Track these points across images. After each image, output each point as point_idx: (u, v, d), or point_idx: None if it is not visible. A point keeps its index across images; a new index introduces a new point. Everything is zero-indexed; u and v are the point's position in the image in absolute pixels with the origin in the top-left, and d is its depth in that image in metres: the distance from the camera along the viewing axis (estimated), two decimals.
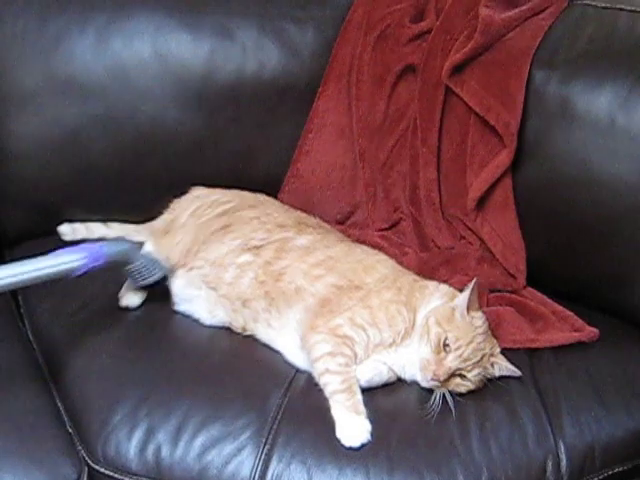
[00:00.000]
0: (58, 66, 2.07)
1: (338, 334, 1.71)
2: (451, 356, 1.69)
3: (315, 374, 1.70)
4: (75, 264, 1.70)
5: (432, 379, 1.68)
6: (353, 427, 1.62)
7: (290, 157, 2.21)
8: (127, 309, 1.88)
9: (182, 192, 2.00)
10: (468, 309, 1.73)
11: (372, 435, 1.61)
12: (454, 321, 1.72)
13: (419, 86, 2.16)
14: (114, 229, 2.03)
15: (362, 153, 2.20)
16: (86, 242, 1.80)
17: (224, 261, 1.85)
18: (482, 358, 1.71)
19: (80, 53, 2.08)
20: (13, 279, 1.64)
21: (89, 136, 2.08)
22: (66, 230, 2.00)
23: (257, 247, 1.85)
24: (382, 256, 1.90)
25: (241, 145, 2.17)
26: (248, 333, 1.82)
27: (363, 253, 1.89)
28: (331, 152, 2.22)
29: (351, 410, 1.63)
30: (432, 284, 1.83)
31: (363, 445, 1.60)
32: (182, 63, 2.12)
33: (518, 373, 1.76)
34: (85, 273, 1.72)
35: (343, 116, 2.21)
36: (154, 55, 2.10)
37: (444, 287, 1.82)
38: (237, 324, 1.83)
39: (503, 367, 1.75)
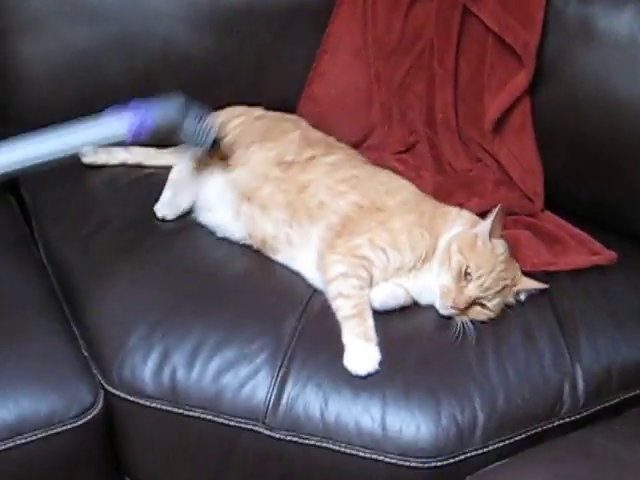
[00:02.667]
0: None
1: (356, 254, 1.70)
2: (472, 285, 1.68)
3: (329, 297, 1.69)
4: (121, 132, 1.68)
5: (452, 307, 1.67)
6: (361, 354, 1.61)
7: (304, 78, 2.19)
8: (163, 220, 1.87)
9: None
10: (490, 236, 1.71)
11: (388, 358, 1.61)
12: (476, 249, 1.71)
13: (436, 6, 2.12)
14: (135, 153, 2.02)
15: (378, 75, 2.17)
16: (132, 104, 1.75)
17: (257, 169, 1.84)
18: (504, 288, 1.70)
19: None
20: (57, 147, 1.63)
21: (101, 58, 2.06)
22: (87, 153, 1.98)
23: (288, 163, 1.84)
24: (405, 181, 1.88)
25: (254, 66, 2.14)
26: (267, 250, 1.80)
27: (387, 176, 1.88)
28: (346, 74, 2.19)
29: (361, 337, 1.62)
30: (454, 210, 1.81)
31: (370, 374, 1.59)
32: None
33: (545, 286, 1.75)
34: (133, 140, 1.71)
35: (358, 37, 2.18)
36: None
37: (466, 213, 1.80)
38: (256, 237, 1.81)
39: (529, 289, 1.74)
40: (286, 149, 1.87)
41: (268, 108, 2.02)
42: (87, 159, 1.99)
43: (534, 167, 2.02)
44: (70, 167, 1.96)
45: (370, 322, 1.65)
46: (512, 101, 2.00)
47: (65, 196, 1.97)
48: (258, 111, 2.00)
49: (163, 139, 1.82)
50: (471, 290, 1.67)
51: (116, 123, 1.69)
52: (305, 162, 1.84)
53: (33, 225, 1.95)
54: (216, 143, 1.81)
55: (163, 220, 1.87)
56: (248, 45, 2.11)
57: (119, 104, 1.73)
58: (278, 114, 2.02)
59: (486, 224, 1.72)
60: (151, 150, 2.02)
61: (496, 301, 1.69)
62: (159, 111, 1.74)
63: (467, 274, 1.68)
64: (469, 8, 2.06)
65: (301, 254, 1.77)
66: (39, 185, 2.02)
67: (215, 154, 1.85)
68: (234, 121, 1.94)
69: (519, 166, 2.03)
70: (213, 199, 1.87)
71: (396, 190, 1.82)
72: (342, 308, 1.66)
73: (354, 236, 1.72)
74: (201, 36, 2.10)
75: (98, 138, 1.70)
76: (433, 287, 1.71)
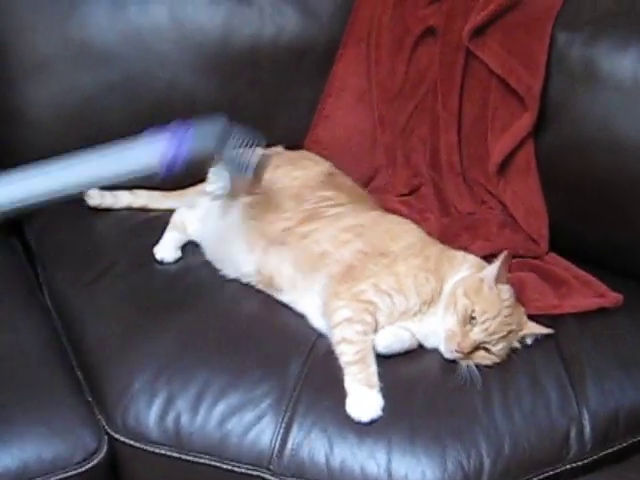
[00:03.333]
0: (73, 32, 2.05)
1: (361, 299, 1.69)
2: (477, 329, 1.67)
3: (332, 342, 1.69)
4: (152, 167, 1.59)
5: (456, 351, 1.67)
6: (363, 401, 1.60)
7: (309, 122, 2.20)
8: (161, 263, 1.88)
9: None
10: (496, 281, 1.71)
11: (393, 403, 1.60)
12: (482, 293, 1.70)
13: (439, 49, 2.13)
14: (140, 196, 2.03)
15: (382, 117, 2.18)
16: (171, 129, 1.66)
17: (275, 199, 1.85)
18: (509, 333, 1.69)
19: (95, 19, 2.06)
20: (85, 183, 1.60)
21: (105, 103, 2.07)
22: (94, 195, 1.99)
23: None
24: (411, 225, 1.88)
25: (259, 110, 2.14)
26: (273, 289, 1.80)
27: (392, 222, 1.88)
28: (351, 116, 2.20)
29: (363, 383, 1.61)
30: (460, 254, 1.81)
31: (373, 420, 1.58)
32: (199, 28, 2.09)
33: (551, 331, 1.75)
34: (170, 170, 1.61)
35: (362, 80, 2.19)
36: (170, 20, 2.08)
37: (473, 258, 1.80)
38: (265, 274, 1.80)
39: (535, 333, 1.74)
40: (309, 179, 1.89)
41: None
42: (93, 201, 2.00)
43: (538, 209, 2.02)
44: (74, 210, 1.99)
45: (373, 368, 1.64)
46: (516, 143, 2.01)
47: (70, 240, 1.98)
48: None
49: (201, 168, 1.76)
50: (476, 334, 1.67)
51: (149, 154, 1.62)
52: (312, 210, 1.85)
53: (38, 269, 1.95)
54: (258, 171, 1.71)
55: (162, 262, 1.88)
56: (253, 89, 2.12)
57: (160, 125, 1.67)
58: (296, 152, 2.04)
59: (492, 269, 1.72)
60: (155, 193, 2.03)
61: (501, 346, 1.69)
62: (197, 139, 1.64)
63: (472, 318, 1.67)
64: (472, 51, 2.06)
65: (305, 298, 1.77)
66: (44, 229, 2.03)
67: (253, 182, 1.77)
68: None
69: (523, 208, 2.03)
70: (228, 230, 1.87)
71: (401, 235, 1.82)
72: (345, 354, 1.65)
73: (358, 282, 1.72)
74: (206, 81, 2.11)
75: (128, 170, 1.62)
76: (438, 331, 1.70)
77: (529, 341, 1.74)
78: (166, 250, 1.90)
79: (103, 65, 2.06)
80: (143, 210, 2.03)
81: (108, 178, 1.64)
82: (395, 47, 2.18)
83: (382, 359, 1.66)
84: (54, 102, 2.07)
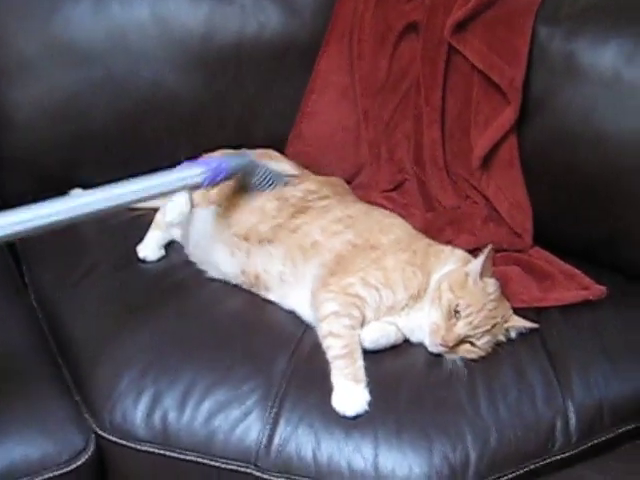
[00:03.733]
0: (56, 32, 2.05)
1: (349, 293, 1.70)
2: (461, 323, 1.68)
3: (320, 335, 1.69)
4: (196, 179, 1.72)
5: (440, 345, 1.67)
6: (349, 396, 1.60)
7: (293, 118, 2.19)
8: (144, 261, 1.89)
9: (188, 156, 1.98)
10: (481, 275, 1.71)
11: (379, 398, 1.60)
12: (466, 287, 1.71)
13: (421, 44, 2.13)
14: None
15: (365, 113, 2.18)
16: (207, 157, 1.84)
17: (254, 203, 1.86)
18: (493, 327, 1.70)
19: (78, 18, 2.05)
20: (138, 194, 1.67)
21: (89, 101, 2.07)
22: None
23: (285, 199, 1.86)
24: (399, 219, 1.89)
25: (243, 107, 2.15)
26: (259, 288, 1.80)
27: (380, 214, 1.89)
28: (334, 113, 2.20)
29: (349, 378, 1.61)
30: (448, 248, 1.81)
31: (358, 415, 1.59)
32: (181, 25, 2.09)
33: (535, 325, 1.75)
34: (207, 185, 1.74)
35: (345, 76, 2.19)
36: (153, 18, 2.08)
37: (459, 252, 1.81)
38: (249, 274, 1.81)
39: (519, 327, 1.74)
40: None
41: (257, 148, 2.02)
42: None
43: (522, 203, 2.02)
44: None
45: (360, 363, 1.64)
46: (499, 138, 2.01)
47: (55, 240, 1.95)
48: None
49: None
50: (460, 328, 1.67)
51: (192, 170, 1.74)
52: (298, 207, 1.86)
53: (23, 270, 1.95)
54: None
55: (144, 261, 1.89)
56: (236, 86, 2.12)
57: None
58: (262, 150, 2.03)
59: (477, 263, 1.73)
60: None
61: (485, 339, 1.69)
62: (232, 159, 1.80)
63: (456, 312, 1.68)
64: (454, 46, 2.07)
65: (294, 292, 1.77)
66: None
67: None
68: None
69: (507, 202, 2.04)
70: (208, 236, 1.87)
71: (390, 228, 1.83)
72: (332, 348, 1.65)
73: (347, 274, 1.72)
74: (189, 78, 2.10)
75: (176, 184, 1.74)
76: (424, 325, 1.71)
77: (513, 335, 1.75)
78: (149, 249, 1.90)
79: (87, 64, 2.06)
80: (127, 209, 2.02)
81: (159, 192, 1.74)
82: (378, 43, 2.18)
83: (368, 354, 1.67)
84: (38, 102, 2.07)
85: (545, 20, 1.98)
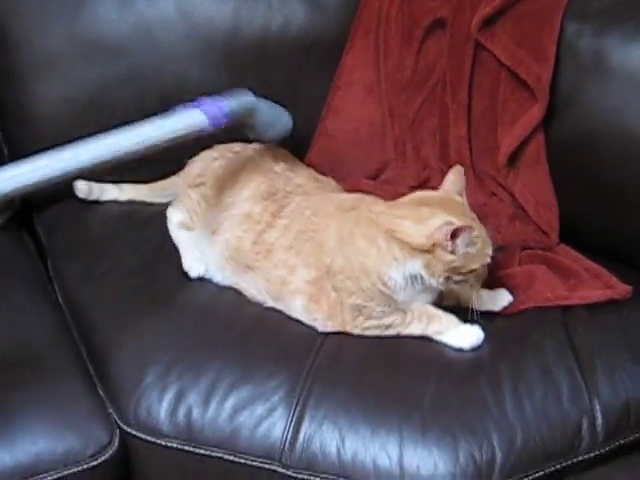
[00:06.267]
0: (82, 28, 2.06)
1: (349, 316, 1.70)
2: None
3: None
4: (200, 123, 1.68)
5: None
6: (462, 330, 1.68)
7: (318, 115, 2.19)
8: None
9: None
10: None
11: (404, 395, 1.61)
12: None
13: (448, 41, 2.12)
14: (125, 191, 2.03)
15: (391, 110, 2.17)
16: (204, 99, 1.78)
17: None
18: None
19: (104, 13, 2.07)
20: (134, 145, 1.64)
21: (114, 97, 2.08)
22: (82, 187, 2.00)
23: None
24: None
25: None
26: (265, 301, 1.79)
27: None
28: (360, 109, 2.19)
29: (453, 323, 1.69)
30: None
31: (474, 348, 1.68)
32: (207, 21, 2.10)
33: None
34: (213, 129, 1.70)
35: (371, 72, 2.18)
36: (179, 13, 2.09)
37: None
38: (249, 290, 1.80)
39: None
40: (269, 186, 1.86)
41: (283, 144, 2.02)
42: (80, 193, 2.02)
43: (549, 201, 2.01)
44: (84, 204, 2.00)
45: (440, 313, 1.70)
46: (526, 135, 2.00)
47: (80, 233, 1.99)
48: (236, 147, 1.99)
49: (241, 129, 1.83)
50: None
51: (192, 114, 1.69)
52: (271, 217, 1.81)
53: (48, 263, 1.96)
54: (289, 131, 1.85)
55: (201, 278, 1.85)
56: (261, 82, 2.11)
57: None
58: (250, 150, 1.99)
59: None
60: (143, 188, 2.04)
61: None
62: (233, 97, 1.75)
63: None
64: (481, 43, 2.06)
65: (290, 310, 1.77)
66: (54, 223, 2.04)
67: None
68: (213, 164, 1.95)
69: (534, 200, 2.03)
70: (211, 261, 1.86)
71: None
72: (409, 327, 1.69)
73: (333, 310, 1.71)
74: (215, 74, 2.11)
75: (178, 129, 1.69)
76: None
77: None
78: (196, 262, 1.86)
79: (112, 59, 2.07)
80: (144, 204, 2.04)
81: (162, 138, 1.68)
82: (404, 39, 2.17)
83: (391, 357, 1.68)
84: (64, 98, 2.08)
85: (574, 16, 1.97)
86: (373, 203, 1.77)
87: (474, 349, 1.68)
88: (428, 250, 1.63)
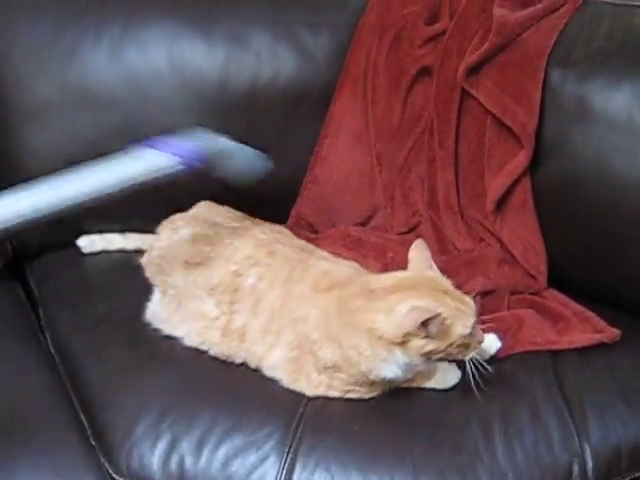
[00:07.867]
0: (73, 77, 2.07)
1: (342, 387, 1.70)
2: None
3: None
4: (169, 170, 1.56)
5: None
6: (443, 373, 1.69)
7: (307, 163, 2.21)
8: None
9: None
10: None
11: (396, 441, 1.62)
12: None
13: (435, 88, 2.15)
14: (132, 240, 2.04)
15: (379, 157, 2.19)
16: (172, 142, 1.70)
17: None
18: None
19: (95, 64, 2.07)
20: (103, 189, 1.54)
21: (105, 148, 2.04)
22: (85, 243, 2.01)
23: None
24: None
25: None
26: None
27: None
28: (348, 157, 2.21)
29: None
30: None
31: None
32: (197, 72, 2.11)
33: None
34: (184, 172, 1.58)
35: (359, 120, 2.20)
36: (169, 65, 2.10)
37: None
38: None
39: None
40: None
41: (272, 193, 2.03)
42: (86, 249, 2.04)
43: (536, 245, 2.03)
44: (76, 254, 2.00)
45: None
46: (512, 181, 2.02)
47: (71, 283, 1.99)
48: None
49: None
50: None
51: (159, 156, 1.59)
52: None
53: (40, 313, 1.96)
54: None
55: None
56: (250, 132, 2.12)
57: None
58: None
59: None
60: (148, 236, 2.02)
61: None
62: (197, 137, 1.66)
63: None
64: (467, 90, 2.08)
65: None
66: (45, 272, 2.04)
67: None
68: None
69: (521, 245, 2.04)
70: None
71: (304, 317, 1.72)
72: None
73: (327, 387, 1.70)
74: (205, 124, 2.10)
75: (150, 170, 1.58)
76: None
77: None
78: None
79: (103, 110, 2.08)
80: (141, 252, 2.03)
81: (133, 181, 1.59)
82: (391, 87, 2.19)
83: (382, 399, 1.68)
84: (54, 147, 2.08)
85: (557, 63, 2.00)
86: (348, 284, 1.70)
87: (463, 396, 1.67)
88: (404, 341, 1.61)
